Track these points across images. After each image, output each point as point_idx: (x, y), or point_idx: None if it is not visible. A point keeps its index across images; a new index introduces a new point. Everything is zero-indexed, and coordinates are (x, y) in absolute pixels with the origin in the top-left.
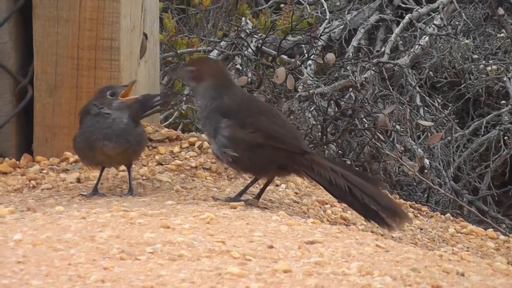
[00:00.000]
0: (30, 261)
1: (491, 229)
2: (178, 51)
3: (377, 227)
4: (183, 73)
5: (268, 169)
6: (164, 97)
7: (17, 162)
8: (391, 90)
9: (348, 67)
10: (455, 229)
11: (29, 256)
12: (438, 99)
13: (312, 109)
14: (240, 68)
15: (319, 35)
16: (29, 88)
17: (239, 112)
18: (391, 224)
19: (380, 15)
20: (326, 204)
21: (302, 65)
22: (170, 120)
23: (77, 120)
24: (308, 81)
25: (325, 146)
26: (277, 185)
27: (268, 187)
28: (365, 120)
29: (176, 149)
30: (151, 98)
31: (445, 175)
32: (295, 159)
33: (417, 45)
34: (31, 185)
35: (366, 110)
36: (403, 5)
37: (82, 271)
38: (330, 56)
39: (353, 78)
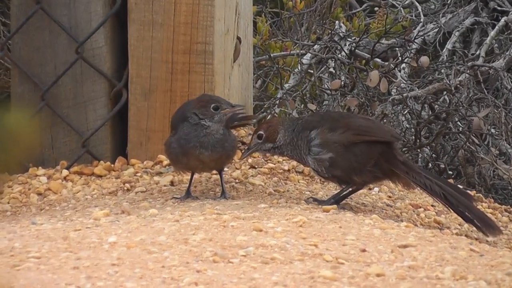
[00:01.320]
0: (125, 263)
1: None
2: (272, 55)
3: (472, 230)
4: (256, 144)
5: (364, 168)
6: (245, 118)
7: (112, 165)
8: (486, 93)
9: (443, 70)
10: None
11: (124, 258)
12: None
13: (405, 112)
14: (334, 71)
15: (413, 38)
16: (124, 91)
17: (324, 120)
18: (486, 232)
19: (475, 18)
20: (420, 207)
21: (396, 68)
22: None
23: None
24: (402, 84)
25: (419, 150)
26: (370, 189)
27: (362, 191)
28: (460, 124)
29: None
30: (236, 114)
31: None
32: (391, 161)
33: None
34: (125, 188)
35: (460, 113)
36: (499, 8)
37: (175, 274)
38: (424, 59)
39: (448, 82)
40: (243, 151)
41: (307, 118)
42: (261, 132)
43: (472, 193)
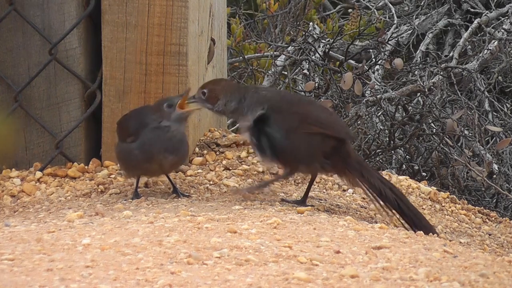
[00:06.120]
0: (99, 265)
1: None
2: (246, 56)
3: (446, 232)
4: (199, 98)
5: (313, 161)
6: None
7: (86, 167)
8: (460, 95)
9: (416, 72)
10: None
11: (98, 260)
12: (507, 104)
13: (379, 114)
14: (308, 73)
15: (386, 40)
16: (98, 93)
17: (282, 102)
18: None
19: (448, 19)
20: None
21: (370, 70)
22: (238, 125)
23: None
24: (376, 86)
25: (392, 151)
26: (344, 190)
27: (335, 192)
28: (433, 125)
29: (243, 154)
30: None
31: None
32: (346, 160)
33: (486, 50)
34: (99, 190)
35: (434, 115)
36: (472, 10)
37: (149, 276)
38: (398, 61)
39: (421, 83)
40: (217, 152)
41: (263, 93)
42: (204, 90)
43: (446, 194)
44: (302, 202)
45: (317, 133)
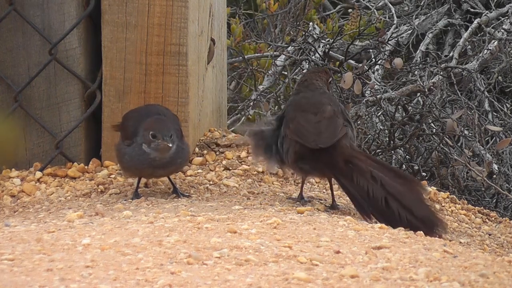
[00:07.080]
0: (99, 265)
1: None
2: (246, 56)
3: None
4: None
5: (291, 165)
6: None
7: (86, 167)
8: (460, 95)
9: (416, 72)
10: None
11: (98, 260)
12: (507, 104)
13: (379, 114)
14: None
15: (386, 40)
16: (98, 93)
17: (290, 106)
18: (431, 232)
19: (448, 19)
20: None
21: (370, 70)
22: (238, 125)
23: None
24: (376, 86)
25: (392, 151)
26: None
27: (335, 192)
28: (433, 125)
29: (243, 154)
30: None
31: None
32: (331, 165)
33: (486, 50)
34: (99, 190)
35: (434, 115)
36: (472, 10)
37: (149, 276)
38: (398, 61)
39: (421, 83)
40: (217, 152)
41: (294, 97)
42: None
43: (446, 194)
44: (300, 197)
45: (292, 139)
